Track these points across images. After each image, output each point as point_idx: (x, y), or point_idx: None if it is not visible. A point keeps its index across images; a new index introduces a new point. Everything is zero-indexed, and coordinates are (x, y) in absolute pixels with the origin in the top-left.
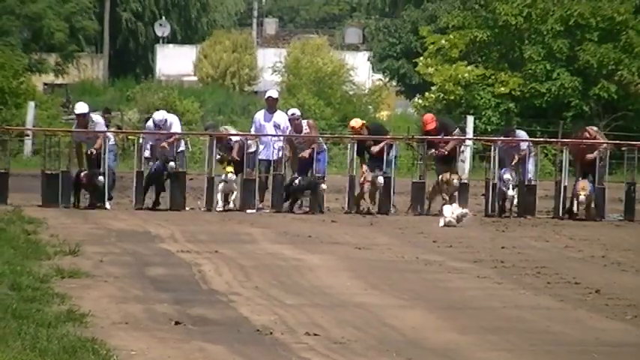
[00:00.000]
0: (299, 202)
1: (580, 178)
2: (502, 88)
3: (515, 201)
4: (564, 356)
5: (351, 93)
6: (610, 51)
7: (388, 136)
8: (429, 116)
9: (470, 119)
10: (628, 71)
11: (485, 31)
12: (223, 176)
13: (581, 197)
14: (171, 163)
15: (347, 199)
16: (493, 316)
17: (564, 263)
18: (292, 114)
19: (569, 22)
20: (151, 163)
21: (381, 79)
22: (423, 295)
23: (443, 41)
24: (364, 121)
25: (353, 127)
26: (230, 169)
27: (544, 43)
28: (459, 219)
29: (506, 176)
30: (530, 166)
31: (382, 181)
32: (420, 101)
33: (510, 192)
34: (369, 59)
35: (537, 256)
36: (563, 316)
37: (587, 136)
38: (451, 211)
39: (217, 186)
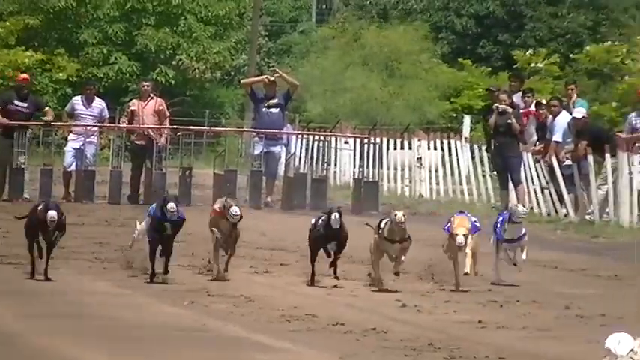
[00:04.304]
0: None
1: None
2: (60, 74)
3: None
4: (130, 341)
5: None
6: (168, 35)
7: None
8: None
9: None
10: (187, 56)
11: (39, 16)
12: None
13: None
14: None
15: None
16: (56, 301)
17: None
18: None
19: (126, 7)
20: None
21: None
22: None
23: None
24: None
25: None
26: None
27: (101, 28)
28: None
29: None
30: (90, 154)
31: None
32: None
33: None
34: None
35: (101, 239)
36: (122, 302)
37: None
38: (630, 347)
39: None
